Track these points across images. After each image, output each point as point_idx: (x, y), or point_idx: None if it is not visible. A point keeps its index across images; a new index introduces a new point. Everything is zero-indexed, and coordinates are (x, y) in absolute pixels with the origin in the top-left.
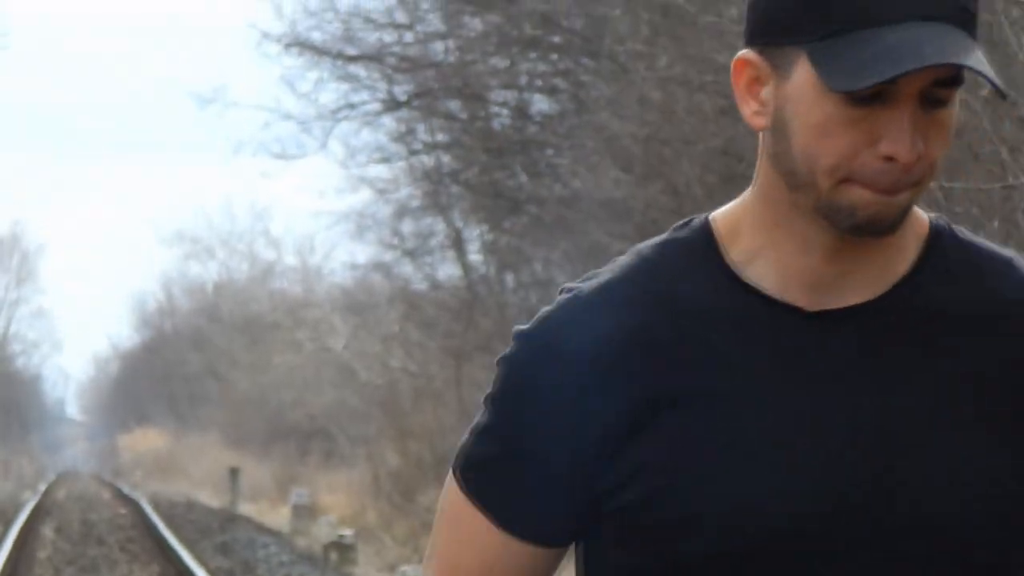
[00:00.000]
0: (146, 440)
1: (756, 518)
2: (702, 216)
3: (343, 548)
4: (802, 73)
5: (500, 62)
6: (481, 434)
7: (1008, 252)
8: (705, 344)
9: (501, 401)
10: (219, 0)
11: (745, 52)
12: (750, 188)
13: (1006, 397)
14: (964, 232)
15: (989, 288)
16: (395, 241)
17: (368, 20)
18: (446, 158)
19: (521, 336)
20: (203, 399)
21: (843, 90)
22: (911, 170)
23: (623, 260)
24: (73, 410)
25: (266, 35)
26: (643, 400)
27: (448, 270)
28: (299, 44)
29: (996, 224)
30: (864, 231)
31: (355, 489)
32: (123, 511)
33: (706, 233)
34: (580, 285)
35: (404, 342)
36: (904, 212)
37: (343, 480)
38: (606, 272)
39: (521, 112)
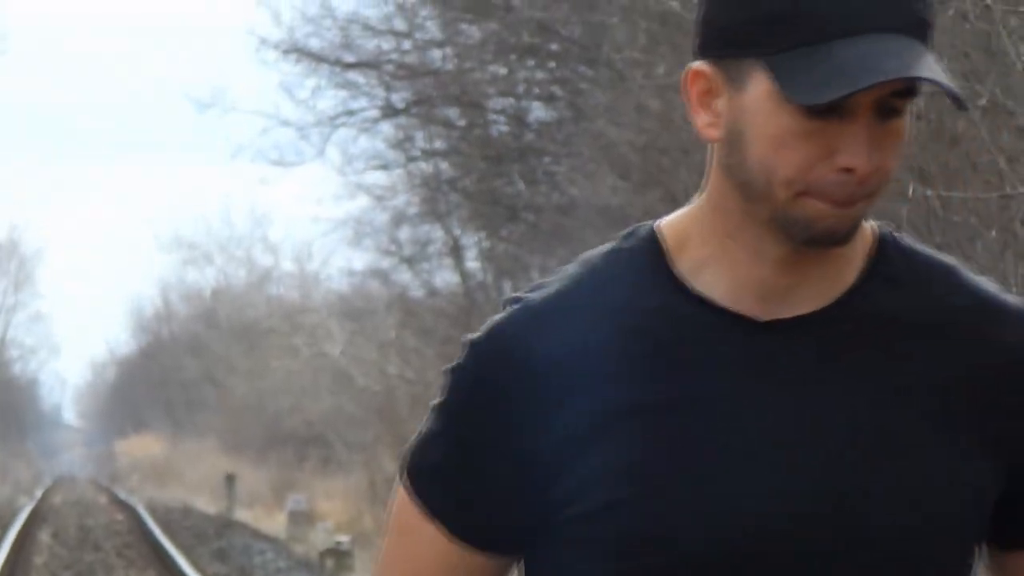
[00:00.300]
0: (143, 446)
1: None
2: (648, 224)
3: (339, 554)
4: (758, 85)
5: (498, 70)
6: (431, 441)
7: (949, 259)
8: (664, 351)
9: (453, 408)
10: (219, 1)
11: (697, 64)
12: (698, 197)
13: (969, 401)
14: (907, 240)
15: (937, 295)
16: (393, 248)
17: (366, 27)
18: (444, 165)
19: (473, 345)
20: (200, 405)
21: (807, 104)
22: (867, 182)
23: (571, 269)
24: (70, 415)
25: (264, 41)
26: (602, 407)
27: (445, 277)
28: (297, 51)
29: (994, 233)
30: (819, 243)
31: (352, 496)
32: (120, 517)
33: (653, 242)
34: (529, 295)
35: (401, 349)
36: (858, 223)
37: (340, 486)
38: (555, 282)
39: (519, 120)
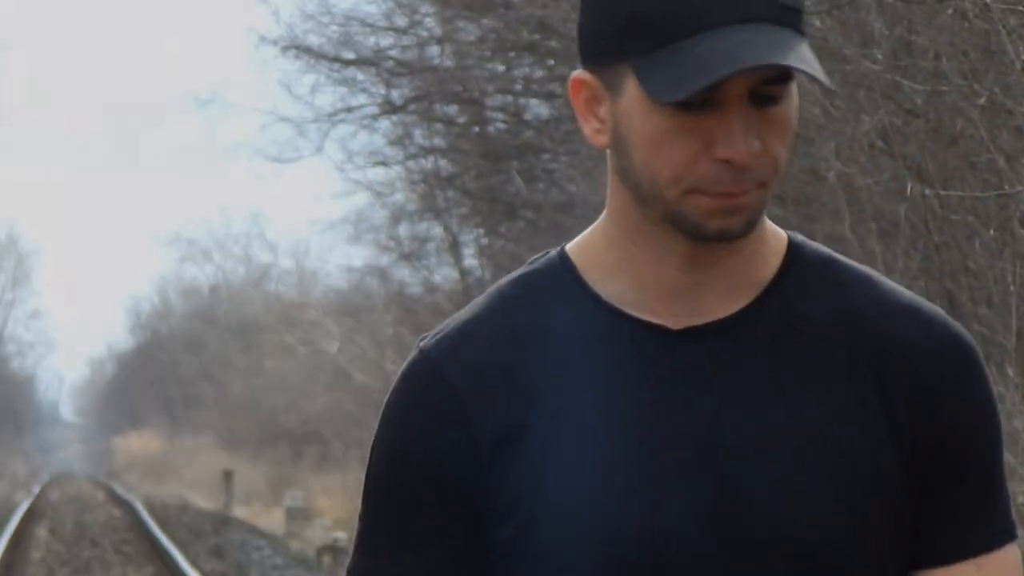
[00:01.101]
0: (140, 442)
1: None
2: (556, 248)
3: (337, 551)
4: (632, 89)
5: (497, 67)
6: (371, 540)
7: (867, 269)
8: (571, 370)
9: (383, 475)
10: (219, 1)
11: (579, 72)
12: (603, 212)
13: (892, 401)
14: (822, 247)
15: (853, 303)
16: (391, 244)
17: (365, 24)
18: (443, 162)
19: (386, 408)
20: (197, 402)
21: (663, 101)
22: (750, 170)
23: (480, 299)
24: (68, 412)
25: (263, 38)
26: (520, 422)
27: (444, 274)
28: (296, 48)
29: (992, 232)
30: (714, 239)
31: (349, 492)
32: (117, 513)
33: (563, 261)
34: (438, 331)
35: (399, 346)
36: (754, 213)
37: (337, 483)
38: (464, 312)
39: (517, 117)
